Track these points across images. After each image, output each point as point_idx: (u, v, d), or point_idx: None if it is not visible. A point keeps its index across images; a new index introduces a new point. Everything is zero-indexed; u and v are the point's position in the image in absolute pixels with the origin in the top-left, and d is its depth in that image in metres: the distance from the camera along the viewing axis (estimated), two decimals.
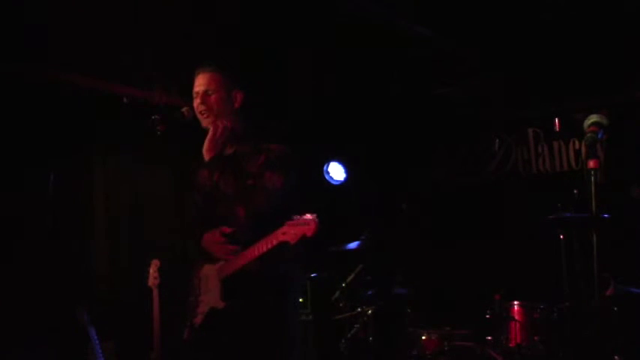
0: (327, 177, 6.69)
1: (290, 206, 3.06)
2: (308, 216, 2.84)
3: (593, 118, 2.91)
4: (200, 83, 3.28)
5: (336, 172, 6.74)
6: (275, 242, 2.93)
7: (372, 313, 4.98)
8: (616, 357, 3.99)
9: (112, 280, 5.05)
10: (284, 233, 2.88)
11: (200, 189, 3.32)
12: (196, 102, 3.27)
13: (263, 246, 2.97)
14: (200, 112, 3.26)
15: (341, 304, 5.24)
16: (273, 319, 3.10)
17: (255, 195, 3.11)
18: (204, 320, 3.16)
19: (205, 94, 3.25)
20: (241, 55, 5.08)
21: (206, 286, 3.20)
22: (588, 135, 2.88)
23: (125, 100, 5.01)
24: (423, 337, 4.83)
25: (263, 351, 3.06)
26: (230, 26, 5.04)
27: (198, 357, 3.19)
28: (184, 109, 3.32)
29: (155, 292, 4.02)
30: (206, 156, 3.25)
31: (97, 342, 4.22)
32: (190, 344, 3.19)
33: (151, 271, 4.05)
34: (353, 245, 5.23)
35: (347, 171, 6.78)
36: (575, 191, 4.57)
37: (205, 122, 3.27)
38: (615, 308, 4.20)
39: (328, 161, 6.70)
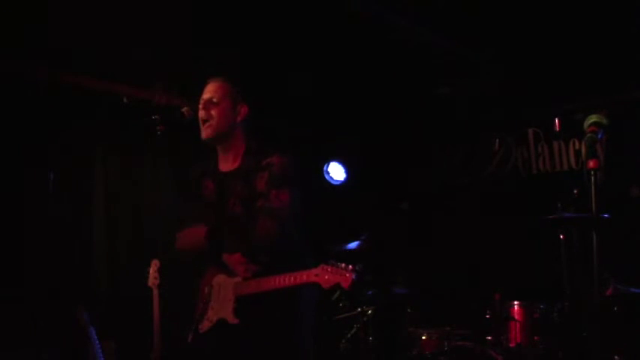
0: (327, 177, 6.69)
1: (298, 221, 3.12)
2: (345, 265, 2.89)
3: (593, 118, 2.92)
4: (208, 90, 3.29)
5: (336, 172, 6.75)
6: (305, 281, 2.96)
7: (372, 313, 4.98)
8: (616, 357, 3.99)
9: (112, 280, 5.05)
10: (317, 275, 2.92)
11: (205, 202, 3.33)
12: (201, 109, 3.28)
13: (290, 280, 2.99)
14: (202, 120, 3.26)
15: (341, 304, 5.24)
16: (286, 342, 3.14)
17: (264, 218, 3.13)
18: (210, 328, 3.18)
19: (210, 102, 3.25)
20: (242, 55, 5.08)
21: (218, 296, 3.21)
22: (588, 135, 2.88)
23: (125, 100, 5.01)
24: (423, 337, 4.83)
25: None
26: (230, 25, 5.04)
27: None
28: (184, 109, 3.32)
29: (155, 292, 4.01)
30: (222, 167, 3.29)
31: (97, 342, 4.22)
32: (192, 349, 3.20)
33: (151, 271, 4.03)
34: (353, 245, 5.23)
35: (347, 171, 6.78)
36: (575, 191, 4.57)
37: (205, 132, 3.26)
38: (615, 308, 4.19)
39: (328, 161, 6.71)
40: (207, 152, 3.43)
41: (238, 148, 3.29)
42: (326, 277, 2.89)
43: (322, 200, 5.99)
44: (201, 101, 3.28)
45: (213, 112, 3.23)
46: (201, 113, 3.25)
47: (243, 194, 3.20)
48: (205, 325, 3.20)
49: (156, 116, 3.23)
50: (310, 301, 3.27)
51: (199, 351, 3.20)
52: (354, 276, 2.85)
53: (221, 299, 3.19)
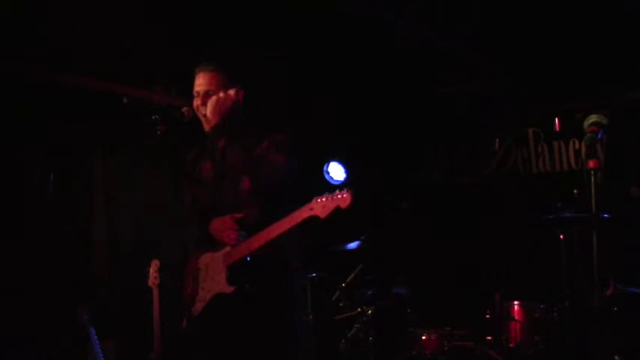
0: (327, 177, 6.69)
1: (293, 192, 3.06)
2: (338, 191, 2.80)
3: (593, 118, 2.92)
4: (200, 83, 3.26)
5: (336, 172, 6.74)
6: (300, 218, 2.88)
7: (372, 313, 4.98)
8: (616, 357, 3.99)
9: (112, 280, 5.05)
10: (311, 209, 2.83)
11: (201, 181, 3.29)
12: (196, 102, 3.26)
13: (285, 224, 2.91)
14: (202, 115, 3.25)
15: (341, 304, 5.23)
16: (282, 304, 3.09)
17: (261, 165, 3.08)
18: (205, 308, 3.12)
19: (206, 95, 3.24)
20: (242, 56, 5.08)
21: (207, 274, 3.15)
22: (588, 135, 2.88)
23: (125, 100, 5.01)
24: (423, 337, 4.83)
25: (270, 336, 3.03)
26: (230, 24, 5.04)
27: (198, 345, 3.16)
28: (184, 109, 3.31)
29: (155, 292, 4.02)
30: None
31: (97, 342, 4.22)
32: (190, 333, 3.16)
33: (151, 271, 4.06)
34: (353, 245, 5.23)
35: (347, 171, 6.78)
36: (575, 191, 4.57)
37: (208, 127, 3.26)
38: (615, 308, 4.19)
39: (328, 161, 6.70)
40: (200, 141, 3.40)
41: (240, 128, 3.27)
42: (322, 205, 2.80)
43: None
44: (197, 95, 3.26)
45: None
46: (202, 108, 3.24)
47: (242, 145, 3.16)
48: (199, 307, 3.14)
49: (156, 116, 3.22)
50: (294, 256, 3.21)
51: (197, 334, 3.14)
52: (351, 195, 2.76)
53: (211, 275, 3.13)
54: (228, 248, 3.10)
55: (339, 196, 2.79)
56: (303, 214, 2.88)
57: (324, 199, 2.82)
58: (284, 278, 3.14)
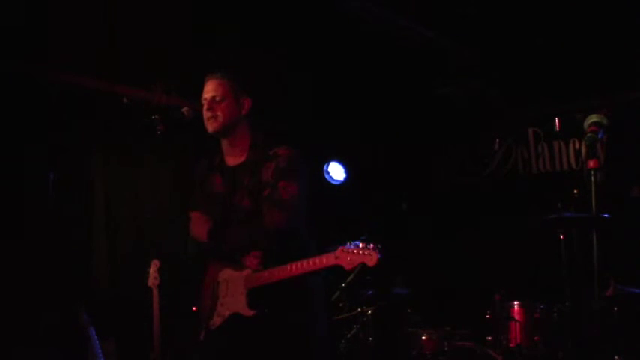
0: (327, 177, 6.69)
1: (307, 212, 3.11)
2: (364, 245, 2.84)
3: (593, 118, 2.92)
4: (208, 89, 3.28)
5: (336, 172, 6.74)
6: (325, 265, 2.94)
7: (372, 313, 4.98)
8: (616, 357, 3.99)
9: (112, 280, 5.05)
10: (337, 257, 2.89)
11: (213, 196, 3.33)
12: (205, 109, 3.28)
13: (308, 266, 2.97)
14: (207, 119, 3.26)
15: (341, 304, 5.24)
16: (300, 331, 3.14)
17: (272, 209, 3.13)
18: (223, 323, 3.17)
19: (213, 101, 3.25)
20: (243, 57, 5.08)
21: (227, 290, 3.20)
22: (588, 135, 2.88)
23: (125, 100, 5.01)
24: (423, 337, 4.83)
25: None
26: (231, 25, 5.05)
27: (212, 358, 3.21)
28: (184, 109, 3.32)
29: (155, 292, 4.02)
30: (229, 162, 3.29)
31: (97, 342, 4.22)
32: (206, 346, 3.20)
33: (151, 271, 4.04)
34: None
35: (347, 171, 6.78)
36: (575, 191, 4.57)
37: (212, 127, 3.27)
38: (615, 308, 4.19)
39: (328, 161, 6.70)
40: (209, 150, 3.43)
41: (244, 141, 3.30)
42: (348, 258, 2.86)
43: (322, 200, 5.99)
44: (204, 101, 3.28)
45: (218, 112, 3.24)
46: (207, 113, 3.26)
47: (250, 187, 3.21)
48: (217, 321, 3.19)
49: (156, 116, 3.23)
50: (319, 288, 3.28)
51: (213, 347, 3.19)
52: (378, 253, 2.81)
53: (231, 293, 3.17)
54: (249, 271, 3.15)
55: (367, 253, 2.84)
56: (329, 261, 2.93)
57: (351, 253, 2.86)
58: (304, 302, 3.19)
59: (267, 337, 3.09)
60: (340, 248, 2.89)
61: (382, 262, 2.82)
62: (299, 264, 2.98)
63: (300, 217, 3.20)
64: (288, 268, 3.01)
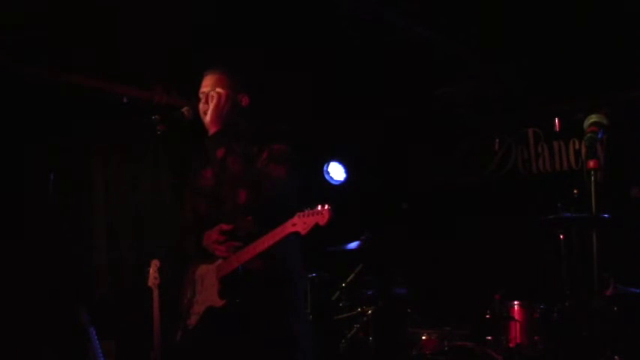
0: (327, 177, 6.69)
1: (292, 204, 3.04)
2: (320, 206, 2.79)
3: (593, 118, 2.92)
4: (207, 84, 3.25)
5: (336, 172, 6.75)
6: (283, 234, 2.86)
7: (372, 313, 4.98)
8: (616, 357, 3.99)
9: (112, 280, 5.05)
10: (294, 224, 2.81)
11: (201, 190, 3.29)
12: (202, 103, 3.26)
13: (269, 239, 2.90)
14: (204, 112, 3.24)
15: (341, 304, 5.24)
16: (274, 319, 3.05)
17: (260, 179, 3.08)
18: (199, 321, 3.10)
19: (210, 95, 3.24)
20: (244, 56, 5.08)
21: (201, 286, 3.15)
22: (588, 135, 2.88)
23: (125, 100, 5.02)
24: (423, 337, 4.83)
25: (262, 352, 3.00)
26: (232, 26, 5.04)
27: (193, 358, 3.14)
28: (184, 109, 3.31)
29: (155, 292, 4.02)
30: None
31: (97, 342, 4.22)
32: (184, 346, 3.14)
33: (151, 271, 4.05)
34: (353, 245, 5.23)
35: (347, 171, 6.78)
36: (575, 191, 4.57)
37: (208, 122, 3.25)
38: (615, 308, 4.19)
39: (328, 161, 6.71)
40: (204, 146, 3.40)
41: (243, 135, 3.26)
42: (303, 221, 2.79)
43: (322, 200, 5.98)
44: (202, 95, 3.25)
45: (215, 106, 3.22)
46: (203, 106, 3.24)
47: (243, 155, 3.15)
48: (193, 320, 3.12)
49: (156, 116, 3.22)
50: (295, 275, 3.19)
51: (190, 347, 3.12)
52: (330, 212, 2.75)
53: (205, 288, 3.12)
54: (221, 261, 3.09)
55: (318, 213, 2.78)
56: (285, 230, 2.86)
57: (304, 215, 2.81)
58: (280, 290, 3.10)
59: (240, 327, 3.00)
60: (296, 215, 2.82)
61: (334, 220, 2.75)
62: (262, 240, 2.91)
63: (284, 205, 3.10)
64: (253, 246, 2.94)
